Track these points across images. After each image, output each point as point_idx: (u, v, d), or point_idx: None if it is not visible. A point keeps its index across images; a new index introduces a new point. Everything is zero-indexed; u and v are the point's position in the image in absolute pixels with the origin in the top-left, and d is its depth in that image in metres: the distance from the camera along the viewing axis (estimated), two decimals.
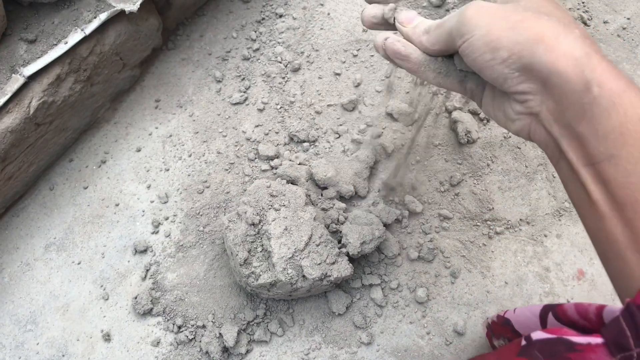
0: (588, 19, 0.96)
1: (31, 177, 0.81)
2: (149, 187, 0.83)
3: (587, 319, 0.45)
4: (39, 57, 0.73)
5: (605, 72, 0.36)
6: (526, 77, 0.39)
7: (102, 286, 0.78)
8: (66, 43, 0.74)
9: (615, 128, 0.35)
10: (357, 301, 0.77)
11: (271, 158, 0.83)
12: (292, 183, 0.78)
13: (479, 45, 0.40)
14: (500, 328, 0.65)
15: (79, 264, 0.79)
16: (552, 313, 0.52)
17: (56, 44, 0.74)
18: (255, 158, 0.84)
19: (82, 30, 0.74)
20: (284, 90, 0.87)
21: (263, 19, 0.92)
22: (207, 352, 0.73)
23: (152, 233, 0.80)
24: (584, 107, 0.36)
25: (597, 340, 0.38)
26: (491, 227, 0.82)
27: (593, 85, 0.36)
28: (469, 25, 0.40)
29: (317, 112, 0.85)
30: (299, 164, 0.82)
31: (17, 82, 0.71)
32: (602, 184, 0.36)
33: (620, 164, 0.35)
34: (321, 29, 0.90)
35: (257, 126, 0.85)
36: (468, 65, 0.43)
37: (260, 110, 0.86)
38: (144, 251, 0.79)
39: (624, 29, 0.96)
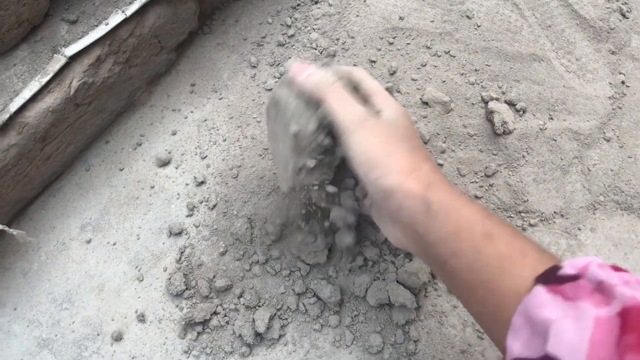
0: (627, 11, 0.95)
1: (68, 158, 0.82)
2: (184, 170, 0.83)
3: None
4: (80, 38, 0.73)
5: (439, 202, 0.49)
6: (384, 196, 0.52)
7: (137, 267, 0.79)
8: (107, 24, 0.74)
9: (452, 232, 0.47)
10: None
11: None
12: None
13: (357, 169, 0.53)
14: None
15: (114, 244, 0.80)
16: None
17: (97, 25, 0.74)
18: None
19: (122, 11, 0.75)
20: None
21: (298, 4, 0.92)
22: (240, 336, 0.74)
23: (187, 216, 0.81)
24: (428, 225, 0.48)
25: None
26: (525, 219, 0.81)
27: (431, 210, 0.48)
28: (353, 159, 0.52)
29: None
30: None
31: (58, 62, 0.72)
32: (453, 275, 0.48)
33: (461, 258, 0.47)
34: (357, 15, 0.90)
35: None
36: None
37: None
38: (179, 234, 0.80)
39: None
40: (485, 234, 0.45)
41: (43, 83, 0.70)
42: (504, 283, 0.43)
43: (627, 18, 0.95)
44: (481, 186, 0.82)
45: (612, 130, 0.87)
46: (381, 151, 0.51)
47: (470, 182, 0.82)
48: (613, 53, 0.92)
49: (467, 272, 0.46)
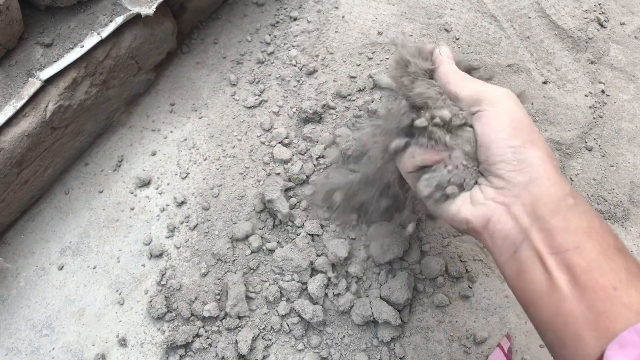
0: (605, 20, 0.95)
1: (47, 181, 0.81)
2: (164, 191, 0.82)
3: None
4: (55, 61, 0.73)
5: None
6: (521, 167, 0.45)
7: (117, 291, 0.77)
8: (82, 47, 0.74)
9: (584, 227, 0.42)
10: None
11: (286, 161, 0.83)
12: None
13: (502, 119, 0.47)
14: None
15: (94, 268, 0.79)
16: None
17: (72, 48, 0.74)
18: (270, 162, 0.83)
19: (98, 34, 0.74)
20: (298, 94, 0.87)
21: (277, 22, 0.92)
22: (223, 358, 0.73)
23: (168, 237, 0.80)
24: (560, 208, 0.43)
25: None
26: None
27: (569, 197, 0.43)
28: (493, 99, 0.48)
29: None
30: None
31: (33, 85, 0.71)
32: (566, 269, 0.41)
33: (585, 253, 0.41)
34: (336, 32, 0.90)
35: (271, 129, 0.85)
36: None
37: (276, 114, 0.86)
38: (160, 255, 0.79)
39: None
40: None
41: (18, 107, 0.70)
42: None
43: (604, 27, 0.95)
44: None
45: (594, 139, 0.87)
46: (527, 119, 0.47)
47: None
48: (592, 62, 0.92)
49: (585, 270, 0.41)
